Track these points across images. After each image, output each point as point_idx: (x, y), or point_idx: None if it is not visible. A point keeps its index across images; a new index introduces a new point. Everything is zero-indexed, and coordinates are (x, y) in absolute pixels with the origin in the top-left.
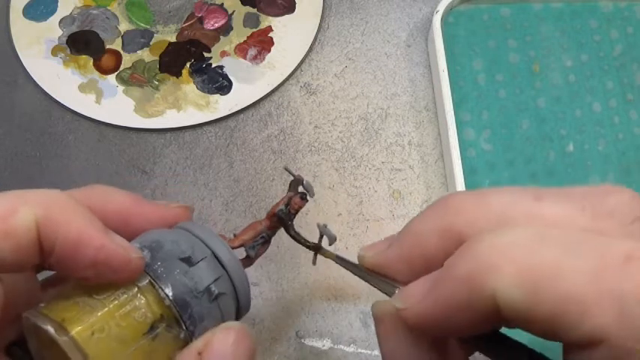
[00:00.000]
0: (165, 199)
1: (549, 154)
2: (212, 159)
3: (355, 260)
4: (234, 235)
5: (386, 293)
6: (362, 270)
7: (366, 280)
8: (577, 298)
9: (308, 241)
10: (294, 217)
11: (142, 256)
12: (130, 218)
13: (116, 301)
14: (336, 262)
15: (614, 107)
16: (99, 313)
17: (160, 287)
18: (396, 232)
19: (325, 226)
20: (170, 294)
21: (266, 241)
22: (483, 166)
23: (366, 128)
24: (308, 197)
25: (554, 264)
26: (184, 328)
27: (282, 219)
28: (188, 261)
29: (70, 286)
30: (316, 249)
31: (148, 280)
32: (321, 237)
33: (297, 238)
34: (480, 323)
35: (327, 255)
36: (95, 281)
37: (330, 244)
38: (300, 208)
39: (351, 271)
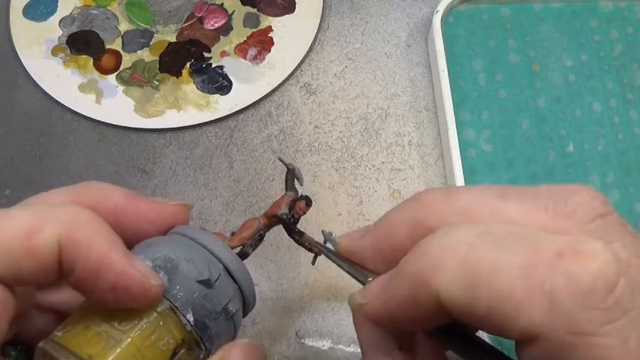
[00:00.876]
0: (165, 198)
1: (549, 154)
2: (212, 159)
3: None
4: (232, 234)
5: (360, 282)
6: (339, 257)
7: (342, 268)
8: (510, 294)
9: (312, 246)
10: (298, 222)
11: (161, 284)
12: (125, 215)
13: (139, 331)
14: (316, 248)
15: (614, 107)
16: (124, 346)
17: (182, 314)
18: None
19: (331, 234)
20: (192, 320)
21: (262, 238)
22: (483, 166)
23: (366, 128)
24: (303, 192)
25: (492, 260)
26: (203, 348)
27: (286, 223)
28: (207, 283)
29: (86, 309)
30: (319, 253)
31: (168, 306)
32: (325, 243)
33: (301, 242)
34: (431, 318)
35: (306, 238)
36: (113, 305)
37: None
38: (305, 213)
39: (329, 258)
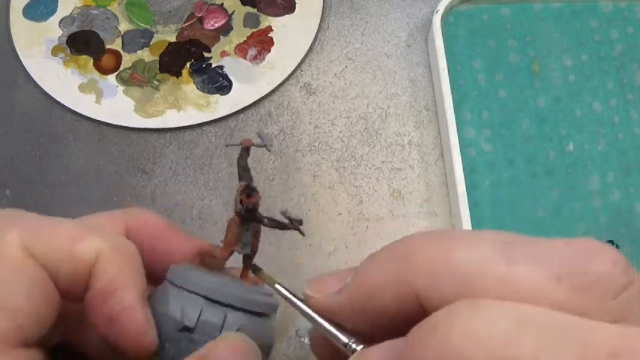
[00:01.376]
0: (165, 199)
1: (549, 154)
2: (212, 159)
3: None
4: (221, 242)
5: (337, 343)
6: (313, 311)
7: (310, 321)
8: None
9: (284, 224)
10: (257, 211)
11: (155, 341)
12: (162, 242)
13: None
14: (275, 290)
15: (614, 107)
16: None
17: None
18: (349, 269)
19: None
20: None
21: (255, 232)
22: (483, 166)
23: (366, 128)
24: (268, 149)
25: None
26: None
27: (247, 218)
28: (187, 329)
29: None
30: (299, 225)
31: None
32: (291, 222)
33: (274, 225)
34: None
35: (266, 280)
36: (106, 340)
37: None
38: (255, 204)
39: (301, 311)
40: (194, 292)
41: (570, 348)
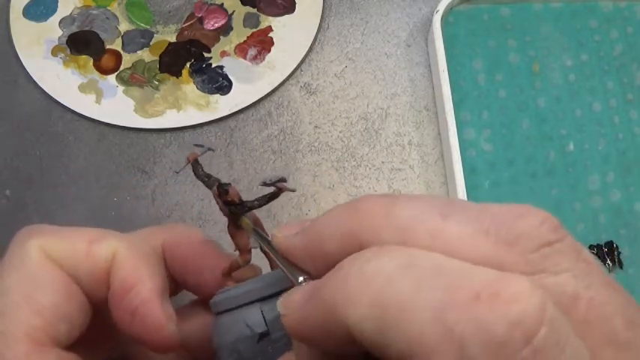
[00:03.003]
0: (165, 199)
1: (549, 154)
2: (212, 159)
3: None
4: (235, 251)
5: (292, 280)
6: (273, 249)
7: (278, 263)
8: (420, 341)
9: (272, 193)
10: (242, 200)
11: (175, 332)
12: (196, 258)
13: None
14: (253, 235)
15: (614, 107)
16: None
17: None
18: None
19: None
20: None
21: (254, 219)
22: (483, 166)
23: (366, 128)
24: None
25: (406, 300)
26: None
27: (239, 212)
28: (265, 335)
29: None
30: (284, 183)
31: None
32: (277, 187)
33: (265, 201)
34: (349, 349)
35: (245, 225)
36: (128, 332)
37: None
38: (236, 195)
39: (264, 251)
40: (244, 305)
41: (440, 289)
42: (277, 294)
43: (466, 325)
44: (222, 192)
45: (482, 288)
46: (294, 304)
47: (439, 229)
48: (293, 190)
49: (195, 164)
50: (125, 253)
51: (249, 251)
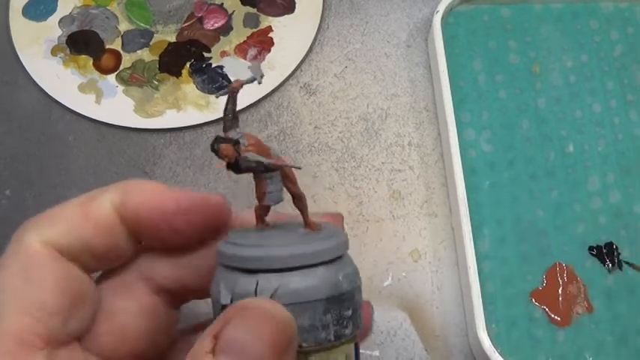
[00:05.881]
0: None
1: (549, 155)
2: (212, 159)
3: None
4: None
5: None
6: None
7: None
8: None
9: (271, 163)
10: (240, 154)
11: (221, 197)
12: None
13: None
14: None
15: (614, 108)
16: None
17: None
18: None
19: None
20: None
21: (284, 175)
22: (483, 167)
23: (366, 129)
24: (259, 81)
25: None
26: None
27: (239, 168)
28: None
29: None
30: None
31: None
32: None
33: (266, 166)
34: None
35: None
36: (187, 230)
37: (258, 82)
38: (227, 155)
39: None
40: (229, 267)
41: None
42: (263, 271)
43: None
44: (213, 147)
45: None
46: None
47: None
48: (299, 168)
49: (232, 96)
50: (125, 195)
51: (264, 207)
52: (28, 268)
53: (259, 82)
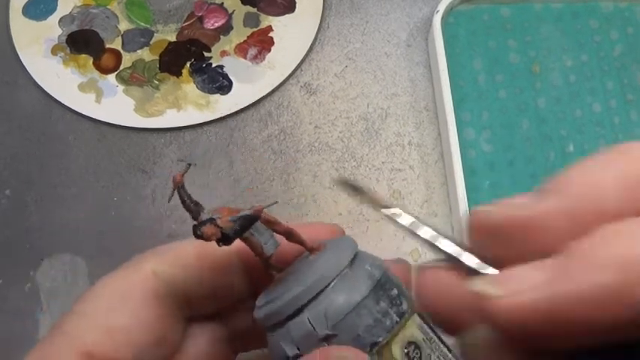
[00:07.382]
0: (165, 199)
1: (549, 155)
2: (212, 159)
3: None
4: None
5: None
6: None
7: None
8: None
9: (247, 215)
10: (225, 238)
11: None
12: None
13: None
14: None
15: (614, 108)
16: None
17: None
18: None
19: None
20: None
21: (269, 223)
22: (483, 167)
23: (366, 128)
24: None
25: None
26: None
27: (233, 235)
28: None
29: None
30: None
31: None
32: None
33: (242, 231)
34: (620, 331)
35: (375, 202)
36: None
37: (193, 165)
38: (211, 235)
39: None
40: (275, 325)
41: None
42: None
43: None
44: (196, 234)
45: None
46: (526, 282)
47: None
48: (275, 202)
49: (181, 190)
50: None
51: (264, 261)
52: (125, 294)
53: (194, 165)
